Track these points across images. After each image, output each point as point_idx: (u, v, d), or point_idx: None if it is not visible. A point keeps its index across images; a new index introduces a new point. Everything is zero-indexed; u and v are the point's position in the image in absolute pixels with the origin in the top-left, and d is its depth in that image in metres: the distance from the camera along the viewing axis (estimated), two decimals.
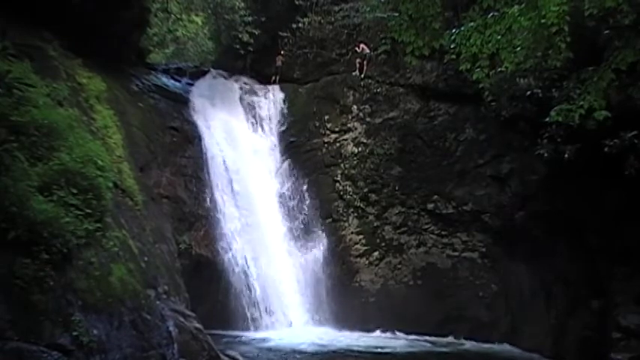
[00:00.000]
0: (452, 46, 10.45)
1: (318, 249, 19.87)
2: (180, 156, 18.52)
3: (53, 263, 7.65)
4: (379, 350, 15.85)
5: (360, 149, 20.41)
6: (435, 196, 19.28)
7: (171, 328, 10.23)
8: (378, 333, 18.04)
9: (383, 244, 19.69)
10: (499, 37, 9.80)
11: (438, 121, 19.57)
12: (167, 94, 19.85)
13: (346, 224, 20.08)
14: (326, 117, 21.06)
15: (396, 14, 10.49)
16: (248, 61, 23.98)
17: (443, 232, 19.28)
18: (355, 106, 20.83)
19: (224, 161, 19.41)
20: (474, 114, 18.37)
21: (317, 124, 21.08)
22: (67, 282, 7.94)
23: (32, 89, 9.44)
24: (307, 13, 23.02)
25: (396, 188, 19.76)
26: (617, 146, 12.60)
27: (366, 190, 20.04)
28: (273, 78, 22.84)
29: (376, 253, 19.66)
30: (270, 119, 21.51)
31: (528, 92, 14.97)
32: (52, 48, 13.82)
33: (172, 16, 24.67)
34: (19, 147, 8.29)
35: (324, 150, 20.82)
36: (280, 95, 22.01)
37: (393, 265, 19.48)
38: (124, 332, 8.71)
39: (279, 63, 22.86)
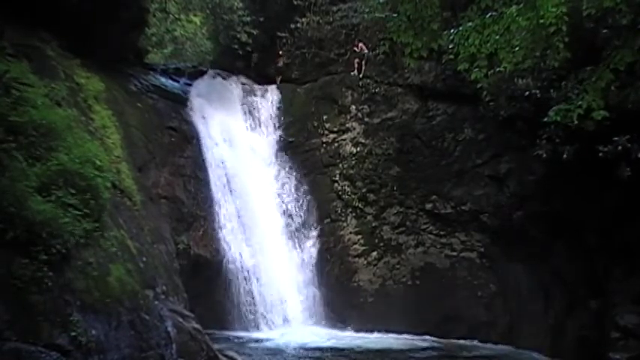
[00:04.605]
0: (450, 46, 10.44)
1: (317, 249, 19.88)
2: (179, 156, 18.49)
3: (51, 263, 7.65)
4: (377, 350, 15.84)
5: (358, 149, 20.40)
6: (434, 196, 19.28)
7: (169, 329, 10.23)
8: (376, 333, 18.00)
9: (381, 244, 19.69)
10: (497, 37, 9.77)
11: (437, 121, 19.56)
12: (165, 94, 19.79)
13: (344, 224, 20.08)
14: (324, 117, 21.05)
15: (395, 15, 10.48)
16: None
17: (441, 232, 19.27)
18: (354, 106, 20.82)
19: (222, 161, 19.39)
20: (473, 114, 18.34)
21: (315, 124, 21.06)
22: (66, 282, 7.94)
23: (30, 89, 9.46)
24: (306, 13, 22.97)
25: (395, 188, 19.75)
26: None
27: (364, 190, 20.03)
28: (276, 78, 22.84)
29: (374, 253, 19.66)
30: (268, 119, 21.49)
31: (527, 92, 14.95)
32: (50, 48, 13.79)
33: (171, 16, 24.61)
34: (18, 147, 8.30)
35: (322, 150, 20.81)
36: (278, 95, 21.97)
37: (392, 265, 19.49)
38: (122, 332, 8.71)
39: (280, 64, 22.86)
